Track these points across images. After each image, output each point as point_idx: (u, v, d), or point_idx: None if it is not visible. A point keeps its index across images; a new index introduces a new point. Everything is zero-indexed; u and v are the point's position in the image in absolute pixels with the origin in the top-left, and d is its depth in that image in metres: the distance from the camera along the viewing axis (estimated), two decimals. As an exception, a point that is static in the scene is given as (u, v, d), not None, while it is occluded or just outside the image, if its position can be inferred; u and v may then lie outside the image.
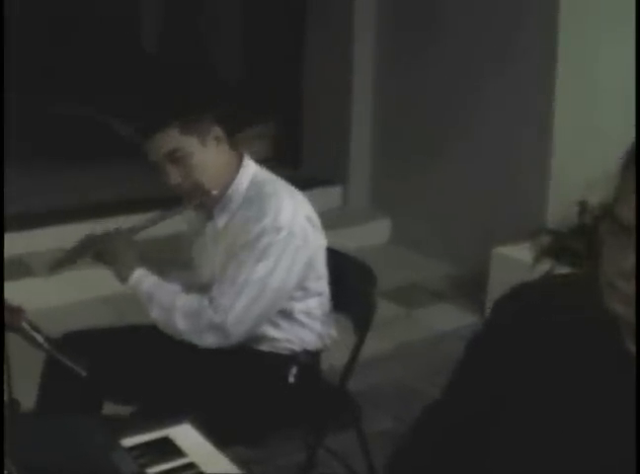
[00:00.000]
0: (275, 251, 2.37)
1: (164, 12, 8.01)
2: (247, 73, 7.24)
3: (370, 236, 5.43)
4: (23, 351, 2.12)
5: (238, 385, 2.47)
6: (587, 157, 4.39)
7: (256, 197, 2.45)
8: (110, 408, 2.62)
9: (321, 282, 2.56)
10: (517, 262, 4.06)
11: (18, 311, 2.11)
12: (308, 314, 2.54)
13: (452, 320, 4.48)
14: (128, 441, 1.81)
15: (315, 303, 2.55)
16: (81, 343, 2.56)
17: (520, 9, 4.65)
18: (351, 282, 2.61)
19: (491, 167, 4.89)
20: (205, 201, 2.51)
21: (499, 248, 4.48)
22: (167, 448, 1.81)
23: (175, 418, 1.91)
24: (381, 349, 3.96)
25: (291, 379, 2.53)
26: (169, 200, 2.62)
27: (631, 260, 1.19)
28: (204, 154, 2.45)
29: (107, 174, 5.65)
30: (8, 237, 4.50)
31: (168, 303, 2.44)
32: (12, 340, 2.08)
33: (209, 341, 2.40)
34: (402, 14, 5.42)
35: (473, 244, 4.93)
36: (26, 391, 2.21)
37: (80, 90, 7.02)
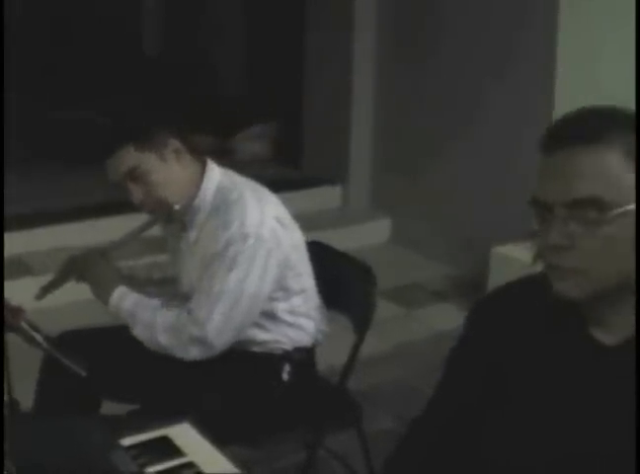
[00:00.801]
0: (244, 259, 2.35)
1: (165, 15, 8.00)
2: (247, 74, 7.25)
3: (370, 236, 5.43)
4: (21, 350, 2.12)
5: (233, 385, 2.47)
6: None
7: (222, 205, 2.42)
8: (108, 407, 2.62)
9: (302, 279, 2.54)
10: (516, 261, 4.05)
11: (17, 311, 2.11)
12: (292, 312, 2.53)
13: (452, 320, 4.46)
14: (127, 441, 1.81)
15: (299, 301, 2.54)
16: (79, 342, 2.56)
17: (521, 9, 4.65)
18: (350, 282, 2.61)
19: (491, 167, 4.88)
20: (174, 215, 2.49)
21: (498, 247, 4.48)
22: (166, 448, 1.81)
23: (174, 417, 1.91)
24: (381, 348, 3.96)
25: (285, 377, 2.52)
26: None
27: (552, 233, 1.28)
28: (164, 169, 2.41)
29: (106, 176, 5.65)
30: (8, 237, 4.50)
31: (149, 320, 2.43)
32: (11, 339, 2.08)
33: (194, 354, 2.39)
34: (402, 14, 5.42)
35: (473, 244, 4.93)
36: (24, 391, 2.21)
37: (81, 94, 7.02)
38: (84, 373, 2.09)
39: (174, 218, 2.52)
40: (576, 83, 4.51)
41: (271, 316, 2.50)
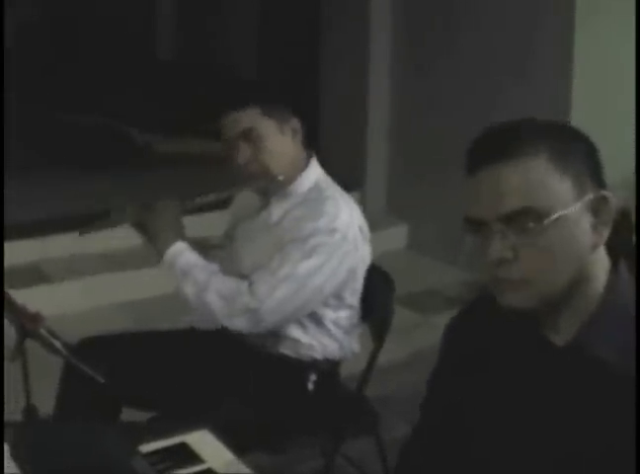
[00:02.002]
0: (324, 251, 2.38)
1: (178, 16, 8.04)
2: (262, 77, 7.27)
3: (387, 242, 5.42)
4: (41, 356, 2.14)
5: (256, 391, 2.48)
6: (604, 158, 4.38)
7: (315, 199, 2.48)
8: (128, 413, 2.64)
9: (355, 297, 2.57)
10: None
11: (36, 318, 2.12)
12: (336, 324, 2.55)
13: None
14: (147, 447, 1.82)
15: (345, 314, 2.56)
16: (98, 348, 2.58)
17: (537, 8, 4.65)
18: (368, 289, 2.62)
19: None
20: (266, 188, 2.52)
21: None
22: (185, 454, 1.83)
23: (193, 423, 1.92)
24: (398, 356, 3.95)
25: (310, 386, 2.54)
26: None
27: (493, 247, 1.30)
28: (279, 141, 2.48)
29: (122, 181, 5.68)
30: (24, 244, 4.54)
31: (203, 281, 2.44)
32: (30, 346, 2.10)
33: (239, 324, 2.41)
34: (418, 14, 5.43)
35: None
36: (44, 397, 2.23)
37: (93, 99, 7.05)
38: (102, 380, 2.10)
39: (264, 191, 2.55)
40: (592, 84, 4.51)
41: (316, 319, 2.52)
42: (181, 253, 2.48)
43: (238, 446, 1.86)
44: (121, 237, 5.15)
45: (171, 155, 6.68)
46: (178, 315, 4.44)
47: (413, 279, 4.94)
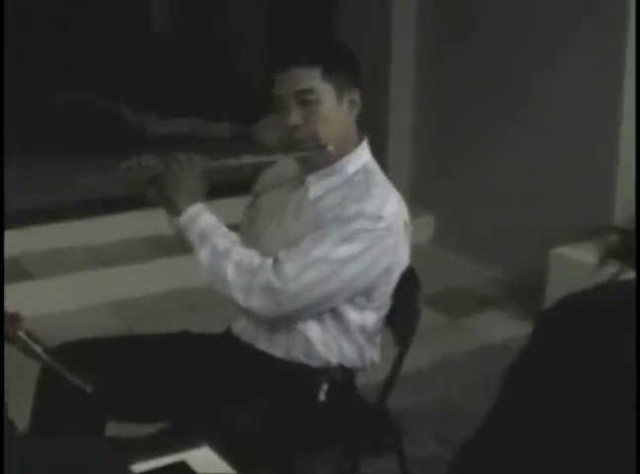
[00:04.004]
0: (365, 238, 2.35)
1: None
2: (271, 53, 7.26)
3: (412, 236, 5.40)
4: (15, 363, 2.12)
5: (262, 402, 2.46)
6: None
7: (362, 182, 2.47)
8: (113, 428, 2.61)
9: (384, 300, 2.54)
10: (578, 263, 4.02)
11: (15, 319, 2.11)
12: (359, 327, 2.52)
13: (503, 330, 4.46)
14: (141, 467, 1.80)
15: (371, 318, 2.53)
16: (84, 354, 2.55)
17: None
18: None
19: (550, 160, 4.86)
20: (309, 159, 2.51)
21: (558, 248, 4.45)
22: (184, 474, 1.81)
23: (192, 440, 1.90)
24: (422, 362, 3.95)
25: (322, 397, 2.51)
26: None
27: None
28: (334, 109, 2.46)
29: (111, 167, 5.66)
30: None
31: (223, 248, 2.40)
32: (8, 351, 2.08)
33: (256, 303, 2.37)
34: (443, 4, 5.46)
35: (527, 244, 4.91)
36: (19, 410, 2.20)
37: (78, 73, 7.04)
38: (90, 390, 2.09)
39: (306, 164, 2.54)
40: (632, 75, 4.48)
41: (337, 317, 2.50)
42: (200, 214, 2.45)
43: (242, 465, 1.84)
44: (112, 229, 5.21)
45: (167, 138, 6.67)
46: (174, 316, 4.47)
47: (439, 277, 4.92)
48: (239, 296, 2.37)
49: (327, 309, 2.46)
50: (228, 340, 2.61)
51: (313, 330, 2.49)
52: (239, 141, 6.68)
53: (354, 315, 2.50)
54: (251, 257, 2.39)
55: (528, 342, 1.53)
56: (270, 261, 2.36)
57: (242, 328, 2.59)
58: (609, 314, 1.41)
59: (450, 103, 5.50)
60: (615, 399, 1.41)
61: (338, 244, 2.34)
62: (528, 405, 1.50)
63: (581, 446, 1.42)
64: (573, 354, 1.47)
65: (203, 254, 2.42)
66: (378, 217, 2.37)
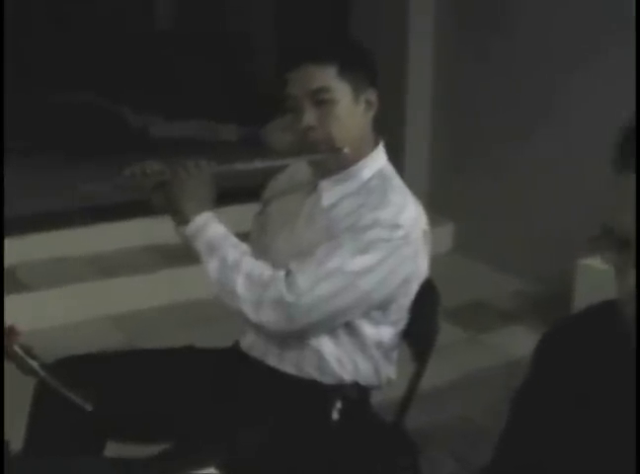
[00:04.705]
0: (383, 248, 2.34)
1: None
2: (280, 50, 7.27)
3: (430, 245, 5.40)
4: (10, 379, 2.11)
5: (271, 421, 2.45)
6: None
7: (379, 188, 2.45)
8: (113, 448, 2.61)
9: (401, 314, 2.53)
10: (607, 275, 3.99)
11: (10, 333, 2.10)
12: (375, 342, 2.51)
13: (526, 345, 4.38)
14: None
15: (387, 333, 2.52)
16: (82, 370, 2.55)
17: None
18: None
19: (576, 165, 4.85)
20: (323, 163, 2.50)
21: (586, 258, 4.43)
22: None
23: (197, 461, 1.90)
24: (441, 379, 3.95)
25: (335, 415, 2.50)
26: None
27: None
28: (351, 110, 2.45)
29: (112, 171, 5.67)
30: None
31: (233, 260, 2.40)
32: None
33: (266, 317, 2.36)
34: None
35: (553, 254, 4.90)
36: (14, 429, 2.20)
37: (79, 73, 7.05)
38: (89, 407, 2.08)
39: (319, 169, 2.53)
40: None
41: (352, 332, 2.48)
42: (209, 223, 2.44)
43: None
44: (114, 237, 5.22)
45: (171, 141, 6.68)
46: (178, 330, 4.46)
47: (459, 289, 4.93)
48: (249, 310, 2.36)
49: (341, 323, 2.45)
50: (236, 355, 2.61)
51: (326, 345, 2.48)
52: (247, 145, 6.68)
53: (369, 330, 2.49)
54: (261, 269, 2.38)
55: (530, 367, 1.54)
56: (281, 273, 2.35)
57: (251, 343, 2.59)
58: (606, 332, 1.40)
59: (470, 104, 5.50)
60: (620, 415, 1.42)
61: (353, 255, 2.33)
62: (538, 429, 1.51)
63: (593, 462, 1.42)
64: (575, 374, 1.48)
65: (212, 265, 2.41)
66: (396, 226, 2.35)
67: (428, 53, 5.70)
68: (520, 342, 4.52)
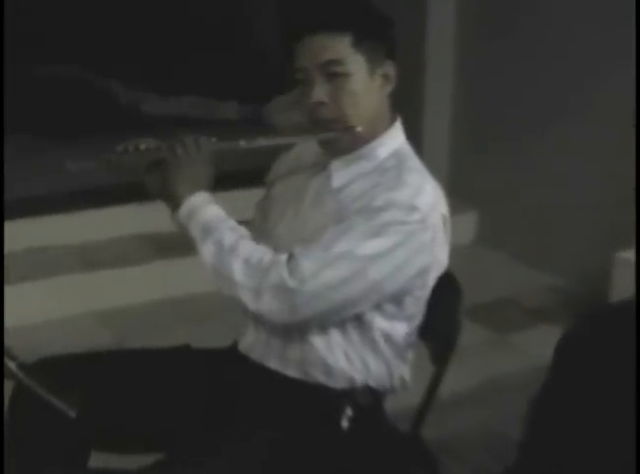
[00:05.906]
0: (398, 232, 2.32)
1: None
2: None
3: (451, 235, 5.41)
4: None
5: (274, 430, 2.45)
6: None
7: (395, 168, 2.44)
8: (100, 459, 2.61)
9: (418, 308, 2.52)
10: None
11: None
12: (388, 339, 2.50)
13: (558, 347, 4.45)
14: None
15: (402, 329, 2.51)
16: (64, 372, 2.55)
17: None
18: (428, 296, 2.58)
19: (613, 148, 4.84)
20: (334, 142, 2.49)
21: (624, 251, 4.43)
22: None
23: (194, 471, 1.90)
24: (464, 384, 3.98)
25: (345, 424, 2.50)
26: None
27: None
28: (366, 85, 2.44)
29: (99, 152, 5.68)
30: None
31: (230, 243, 2.38)
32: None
33: (267, 306, 2.33)
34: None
35: (588, 246, 4.89)
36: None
37: (66, 48, 7.05)
38: (73, 413, 2.08)
39: (329, 147, 2.52)
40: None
41: (362, 326, 2.47)
42: (204, 205, 2.43)
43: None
44: (101, 225, 5.22)
45: (164, 119, 6.69)
46: (172, 328, 4.47)
47: (483, 284, 4.94)
48: (248, 298, 2.34)
49: (350, 316, 2.43)
50: (235, 357, 2.60)
51: (334, 341, 2.47)
52: (248, 124, 6.69)
53: (381, 323, 2.47)
54: (262, 253, 2.36)
55: (552, 363, 1.56)
56: (283, 257, 2.33)
57: (250, 343, 2.58)
58: (624, 334, 1.42)
59: (495, 82, 5.50)
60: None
61: (364, 238, 2.30)
62: (558, 435, 1.52)
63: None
64: (597, 376, 1.49)
65: (206, 250, 2.39)
66: (412, 208, 2.33)
67: (450, 31, 5.72)
68: (551, 343, 4.51)
